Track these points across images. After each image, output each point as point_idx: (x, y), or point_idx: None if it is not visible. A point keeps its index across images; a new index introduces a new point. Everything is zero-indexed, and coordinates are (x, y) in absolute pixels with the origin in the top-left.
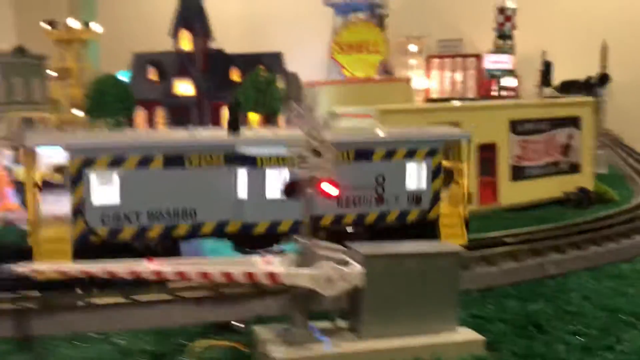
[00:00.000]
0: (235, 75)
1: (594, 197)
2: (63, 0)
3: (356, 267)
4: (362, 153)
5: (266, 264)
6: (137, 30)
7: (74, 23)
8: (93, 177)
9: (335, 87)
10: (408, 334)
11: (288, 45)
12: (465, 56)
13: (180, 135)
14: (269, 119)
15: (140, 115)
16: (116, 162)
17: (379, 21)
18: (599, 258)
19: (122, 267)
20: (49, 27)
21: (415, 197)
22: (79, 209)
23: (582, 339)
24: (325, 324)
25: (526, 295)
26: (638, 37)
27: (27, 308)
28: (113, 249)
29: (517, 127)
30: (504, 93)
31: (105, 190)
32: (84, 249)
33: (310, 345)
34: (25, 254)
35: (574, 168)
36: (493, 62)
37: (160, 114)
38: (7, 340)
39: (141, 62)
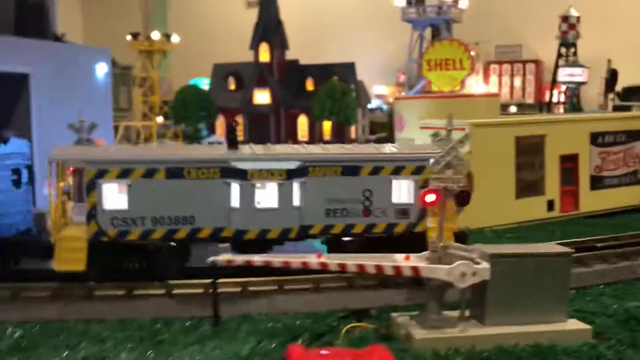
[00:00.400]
0: (310, 85)
1: None
2: (137, 11)
3: (484, 264)
4: (350, 169)
5: (407, 260)
6: (204, 42)
7: (155, 35)
8: (105, 186)
9: (427, 102)
10: (526, 322)
11: (353, 55)
12: (524, 62)
13: (181, 152)
14: (342, 127)
15: (220, 122)
16: (124, 173)
17: (448, 28)
18: None
19: (295, 259)
20: (132, 38)
21: (402, 211)
22: (93, 213)
23: None
24: (452, 313)
25: (621, 294)
26: None
27: (219, 292)
28: (122, 248)
29: (597, 139)
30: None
31: (115, 197)
32: (97, 247)
33: (444, 329)
34: (48, 250)
35: None
36: (567, 75)
37: (239, 121)
38: (206, 319)
39: (221, 72)
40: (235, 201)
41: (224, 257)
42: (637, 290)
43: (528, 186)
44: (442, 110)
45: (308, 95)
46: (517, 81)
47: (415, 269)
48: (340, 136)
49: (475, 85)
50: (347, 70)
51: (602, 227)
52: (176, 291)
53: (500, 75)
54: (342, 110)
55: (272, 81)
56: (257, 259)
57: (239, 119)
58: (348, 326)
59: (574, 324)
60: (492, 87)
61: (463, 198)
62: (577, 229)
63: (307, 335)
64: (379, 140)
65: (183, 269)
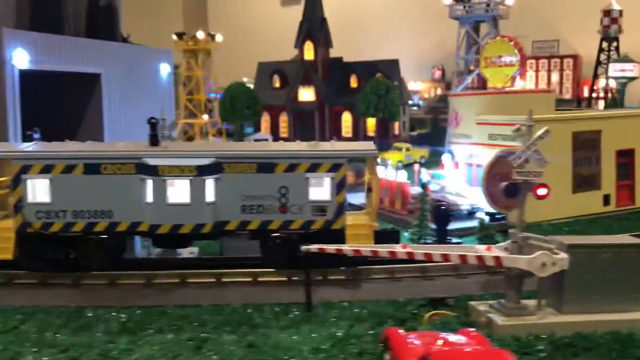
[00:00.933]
0: (354, 82)
1: None
2: (178, 10)
3: (562, 255)
4: (265, 166)
5: (489, 251)
6: (246, 40)
7: (200, 34)
8: (29, 181)
9: (482, 98)
10: (603, 311)
11: (392, 51)
12: (562, 57)
13: (98, 147)
14: (386, 123)
15: (265, 120)
16: (47, 169)
17: (495, 24)
18: None
19: (383, 248)
20: (177, 38)
21: (319, 208)
22: (19, 206)
23: None
24: (530, 301)
25: None
26: None
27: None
28: (47, 238)
29: None
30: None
31: (38, 191)
32: (23, 237)
33: (523, 316)
34: None
35: None
36: (619, 69)
37: (284, 119)
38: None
39: (266, 70)
40: (149, 196)
41: (314, 247)
42: None
43: (585, 181)
44: (497, 106)
45: (352, 92)
46: (555, 76)
47: (497, 259)
48: (384, 132)
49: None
50: (390, 66)
51: None
52: (261, 279)
53: (537, 71)
54: (387, 106)
55: (317, 79)
56: (347, 248)
57: (285, 115)
58: (429, 313)
59: None
60: (529, 83)
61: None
62: (634, 224)
63: (391, 321)
64: (420, 137)
65: (118, 260)
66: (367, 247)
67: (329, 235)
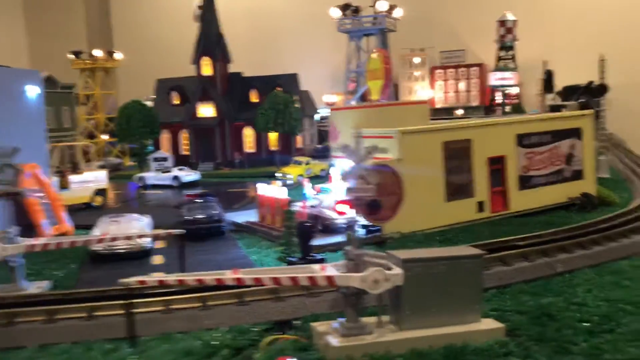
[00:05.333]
0: (254, 97)
1: (597, 201)
2: (82, 29)
3: (396, 270)
4: None
5: (323, 270)
6: (150, 58)
7: (97, 52)
8: None
9: (360, 111)
10: (441, 325)
11: (300, 66)
12: (468, 66)
13: None
14: (288, 137)
15: (166, 137)
16: None
17: (383, 37)
18: (601, 256)
19: (209, 276)
20: (73, 57)
21: None
22: None
23: (587, 324)
24: (371, 319)
25: (539, 291)
26: (635, 45)
27: (133, 313)
28: None
29: (523, 140)
30: (507, 101)
31: None
32: None
33: (361, 335)
34: None
35: (578, 175)
36: (498, 79)
37: (185, 136)
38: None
39: (165, 87)
40: None
41: (135, 279)
42: (554, 286)
43: (458, 189)
44: (374, 119)
45: (252, 106)
46: (462, 85)
47: (330, 279)
48: (286, 146)
49: (422, 90)
50: (290, 81)
51: (530, 225)
52: (96, 313)
53: (445, 80)
54: (287, 121)
55: (216, 94)
56: (171, 278)
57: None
58: (269, 338)
59: (488, 324)
60: (438, 92)
61: (374, 208)
62: (506, 229)
63: (225, 351)
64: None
65: None
66: (192, 276)
67: None
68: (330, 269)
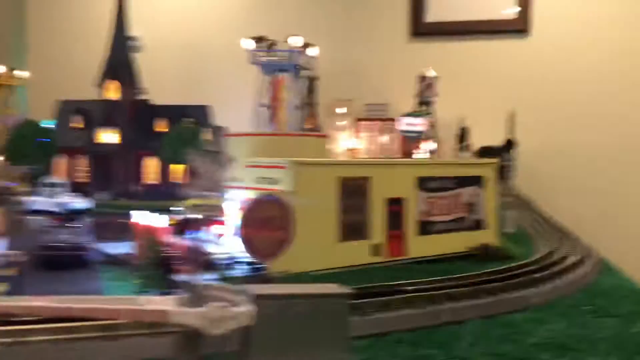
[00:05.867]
0: (160, 126)
1: (496, 252)
2: None
3: (246, 307)
4: None
5: (154, 303)
6: (67, 77)
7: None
8: None
9: (254, 139)
10: None
11: (221, 99)
12: (390, 120)
13: None
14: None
15: (62, 163)
16: None
17: (310, 84)
18: (493, 308)
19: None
20: None
21: None
22: None
23: None
24: None
25: (419, 341)
26: (545, 106)
27: None
28: None
29: (424, 183)
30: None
31: None
32: None
33: None
34: None
35: (479, 225)
36: (408, 124)
37: (83, 162)
38: None
39: (67, 109)
40: None
41: None
42: (437, 336)
43: (353, 229)
44: (269, 148)
45: (158, 136)
46: (386, 137)
47: (161, 314)
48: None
49: (347, 140)
50: (200, 112)
51: (428, 272)
52: None
53: (370, 132)
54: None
55: (121, 120)
56: None
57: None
58: None
59: None
60: (363, 143)
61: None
62: (401, 274)
63: None
64: None
65: None
66: None
67: None
68: (166, 303)
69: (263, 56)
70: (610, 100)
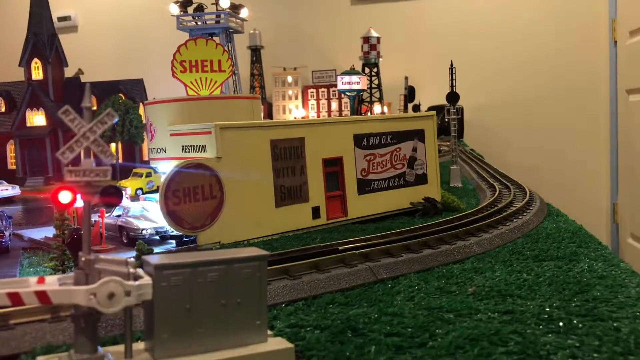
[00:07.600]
0: (93, 104)
1: (441, 206)
2: None
3: (143, 281)
4: None
5: (39, 284)
6: None
7: None
8: None
9: (178, 105)
10: (211, 349)
11: (157, 71)
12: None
13: None
14: (132, 147)
15: None
16: None
17: (255, 53)
18: (431, 260)
19: None
20: None
21: None
22: None
23: (396, 339)
24: (120, 347)
25: (353, 301)
26: (483, 63)
27: None
28: None
29: (361, 141)
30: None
31: None
32: None
33: None
34: None
35: (421, 179)
36: (344, 83)
37: (11, 147)
38: None
39: None
40: None
41: None
42: (372, 294)
43: (289, 193)
44: (196, 114)
45: (92, 114)
46: (334, 104)
47: (42, 295)
48: (131, 158)
49: (296, 110)
50: (134, 86)
51: (369, 231)
52: None
53: (318, 99)
54: (126, 129)
55: (47, 101)
56: None
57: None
58: None
59: (274, 344)
60: (312, 111)
61: (112, 195)
62: (342, 235)
63: None
64: None
65: None
66: None
67: None
68: (51, 282)
69: (189, 21)
70: (546, 56)
